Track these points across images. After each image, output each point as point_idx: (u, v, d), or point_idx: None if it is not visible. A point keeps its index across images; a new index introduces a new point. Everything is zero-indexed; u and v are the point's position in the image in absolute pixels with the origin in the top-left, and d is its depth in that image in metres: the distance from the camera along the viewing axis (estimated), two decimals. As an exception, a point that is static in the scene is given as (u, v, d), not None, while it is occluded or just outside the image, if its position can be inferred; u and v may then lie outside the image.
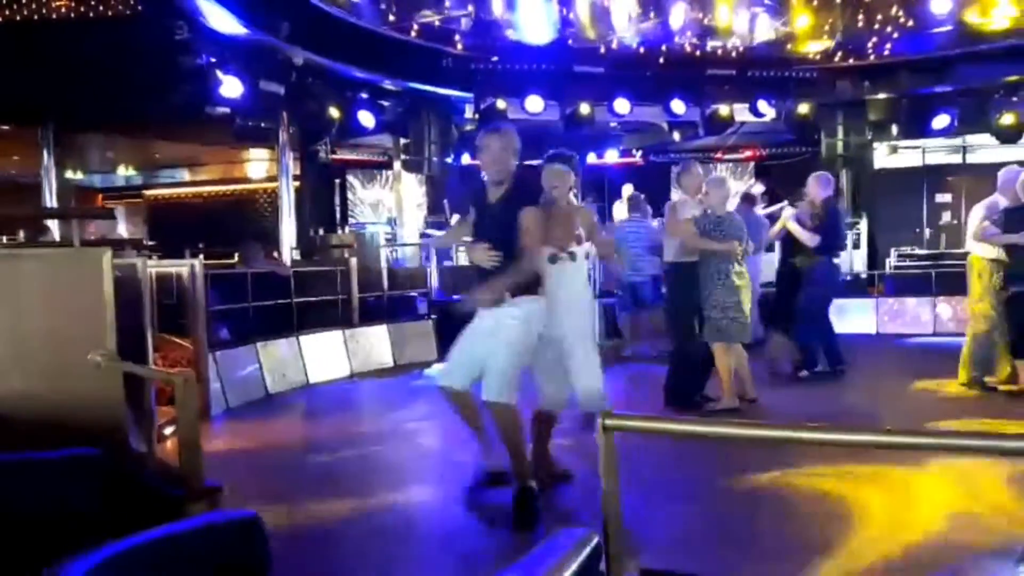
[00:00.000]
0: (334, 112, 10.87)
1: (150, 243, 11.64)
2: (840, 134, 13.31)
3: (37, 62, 9.13)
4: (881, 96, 12.72)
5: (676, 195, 7.33)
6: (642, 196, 9.27)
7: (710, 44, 12.04)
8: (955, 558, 3.30)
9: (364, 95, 11.38)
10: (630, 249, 8.51)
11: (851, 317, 10.45)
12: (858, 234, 12.91)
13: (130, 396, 3.08)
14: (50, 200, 12.19)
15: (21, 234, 10.74)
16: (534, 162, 4.72)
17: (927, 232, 14.43)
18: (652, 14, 11.55)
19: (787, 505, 4.00)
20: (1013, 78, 11.71)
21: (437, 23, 11.16)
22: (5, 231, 10.80)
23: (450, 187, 13.22)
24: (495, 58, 11.55)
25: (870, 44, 11.97)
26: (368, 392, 7.92)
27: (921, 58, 11.96)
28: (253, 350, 7.35)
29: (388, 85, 11.63)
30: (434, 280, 10.22)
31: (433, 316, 9.59)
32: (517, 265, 3.84)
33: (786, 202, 8.38)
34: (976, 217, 6.50)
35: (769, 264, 8.92)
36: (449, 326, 9.54)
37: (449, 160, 12.90)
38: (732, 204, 6.67)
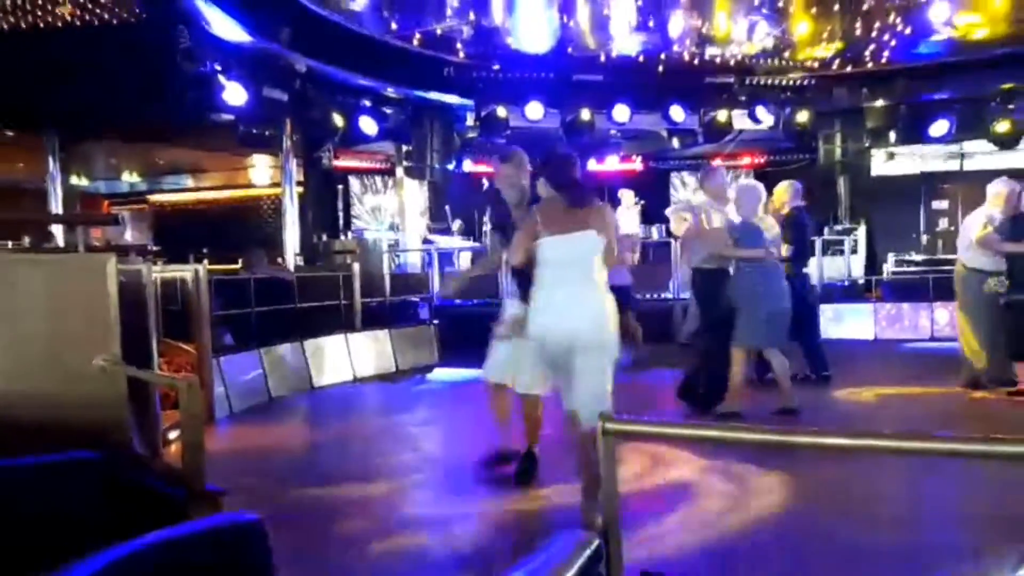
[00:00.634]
0: (337, 119, 10.96)
1: (155, 249, 11.69)
2: (838, 141, 13.42)
3: (42, 69, 9.17)
4: (879, 103, 12.80)
5: (697, 199, 7.25)
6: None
7: (709, 52, 12.14)
8: (955, 558, 3.34)
9: (367, 102, 11.48)
10: None
11: (849, 322, 10.56)
12: (856, 240, 12.97)
13: (134, 400, 3.11)
14: (55, 206, 12.27)
15: (26, 239, 10.84)
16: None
17: (924, 238, 14.50)
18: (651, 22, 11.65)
19: (787, 504, 4.04)
20: (1010, 85, 11.79)
21: (439, 32, 11.25)
22: (11, 236, 10.90)
23: (452, 193, 13.31)
24: (496, 66, 11.65)
25: (868, 52, 12.04)
26: (370, 396, 7.95)
27: (919, 66, 12.06)
28: (257, 355, 7.40)
29: (390, 92, 11.72)
30: (436, 286, 10.30)
31: (435, 321, 9.65)
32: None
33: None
34: (976, 225, 6.54)
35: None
36: (451, 331, 9.71)
37: (451, 167, 13.00)
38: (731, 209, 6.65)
